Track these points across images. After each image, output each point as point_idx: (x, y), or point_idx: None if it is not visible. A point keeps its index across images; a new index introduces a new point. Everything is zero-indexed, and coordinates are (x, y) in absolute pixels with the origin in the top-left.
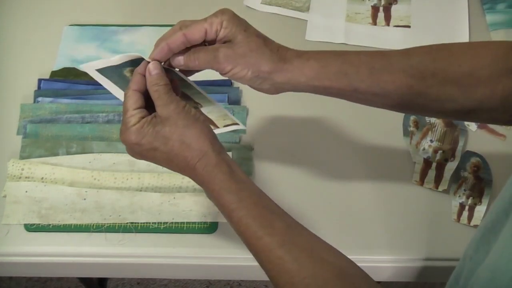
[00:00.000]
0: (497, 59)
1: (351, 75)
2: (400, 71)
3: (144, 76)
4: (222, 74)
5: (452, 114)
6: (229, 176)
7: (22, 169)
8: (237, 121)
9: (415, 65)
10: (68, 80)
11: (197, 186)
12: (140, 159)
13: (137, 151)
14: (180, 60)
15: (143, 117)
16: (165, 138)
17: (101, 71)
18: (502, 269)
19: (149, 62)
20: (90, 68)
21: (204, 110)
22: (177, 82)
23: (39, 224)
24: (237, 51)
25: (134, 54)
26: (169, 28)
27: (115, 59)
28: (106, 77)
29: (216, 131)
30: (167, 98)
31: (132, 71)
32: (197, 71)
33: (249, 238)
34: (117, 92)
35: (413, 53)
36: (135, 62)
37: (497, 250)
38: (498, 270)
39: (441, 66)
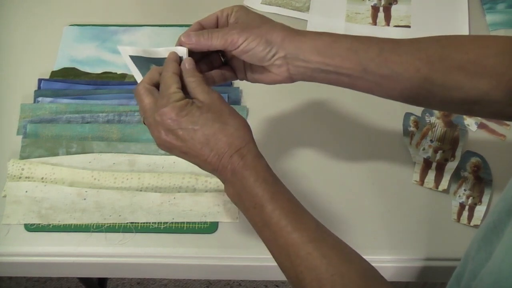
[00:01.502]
0: (504, 51)
1: (361, 52)
2: (408, 53)
3: (179, 65)
4: (234, 50)
5: (457, 105)
6: (268, 168)
7: (22, 169)
8: None
9: (423, 49)
10: (68, 80)
11: (197, 186)
12: (167, 142)
13: (172, 128)
14: (191, 38)
15: (184, 98)
16: (208, 120)
17: (133, 58)
18: (506, 272)
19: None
20: (125, 52)
21: None
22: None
23: (39, 224)
24: (250, 24)
25: (177, 48)
26: (169, 28)
27: (156, 51)
28: (136, 65)
29: None
30: (207, 87)
31: None
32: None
33: (280, 230)
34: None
35: (422, 40)
36: (159, 62)
37: (500, 253)
38: (502, 273)
39: (448, 52)
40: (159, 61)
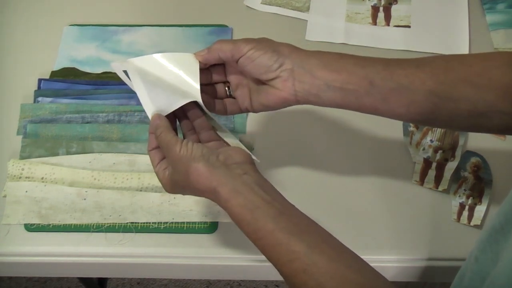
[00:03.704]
0: (509, 63)
1: (368, 67)
2: (412, 67)
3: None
4: (241, 56)
5: (464, 118)
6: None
7: (22, 169)
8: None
9: (428, 62)
10: (68, 80)
11: None
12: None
13: (179, 191)
14: (203, 50)
15: (165, 168)
16: (180, 182)
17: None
18: None
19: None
20: (118, 68)
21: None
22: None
23: (39, 224)
24: (257, 39)
25: (185, 55)
26: (169, 28)
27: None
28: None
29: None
30: (166, 146)
31: None
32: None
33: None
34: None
35: (426, 57)
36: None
37: (510, 254)
38: None
39: (452, 65)
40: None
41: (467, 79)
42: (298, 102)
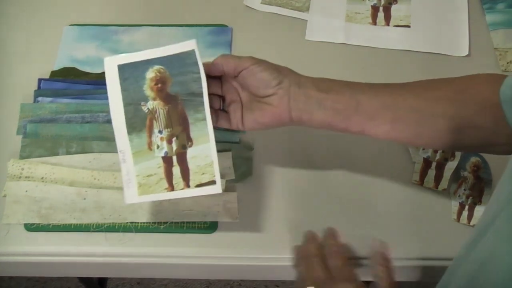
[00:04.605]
0: (489, 80)
1: (355, 88)
2: (397, 87)
3: None
4: (244, 69)
5: (445, 134)
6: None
7: (22, 169)
8: (217, 180)
9: (412, 83)
10: (68, 80)
11: None
12: None
13: None
14: (211, 61)
15: None
16: None
17: (123, 67)
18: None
19: None
20: (112, 62)
21: (190, 151)
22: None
23: (39, 223)
24: (260, 59)
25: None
26: (169, 28)
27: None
28: (121, 78)
29: (180, 193)
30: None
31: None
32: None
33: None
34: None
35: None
36: (161, 62)
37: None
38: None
39: (435, 84)
40: (160, 61)
41: (447, 96)
42: (291, 120)
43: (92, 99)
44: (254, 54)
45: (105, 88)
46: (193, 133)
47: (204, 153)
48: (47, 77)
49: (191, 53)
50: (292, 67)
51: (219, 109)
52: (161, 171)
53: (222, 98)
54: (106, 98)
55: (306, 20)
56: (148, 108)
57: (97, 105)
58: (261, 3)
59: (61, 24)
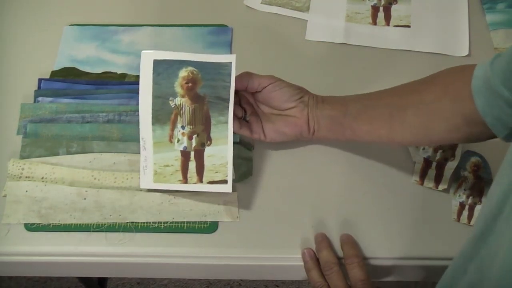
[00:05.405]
0: (456, 69)
1: (346, 97)
2: (378, 92)
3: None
4: (270, 84)
5: (416, 127)
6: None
7: (22, 169)
8: (229, 180)
9: (392, 87)
10: (68, 80)
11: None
12: None
13: None
14: (238, 75)
15: None
16: None
17: (158, 62)
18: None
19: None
20: (148, 57)
21: (208, 150)
22: None
23: (39, 223)
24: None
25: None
26: (169, 28)
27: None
28: (155, 72)
29: (192, 187)
30: None
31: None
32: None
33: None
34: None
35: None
36: (194, 64)
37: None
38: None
39: (411, 82)
40: (195, 64)
41: (416, 88)
42: (308, 129)
43: (92, 99)
44: (254, 54)
45: (105, 88)
46: (214, 134)
47: (221, 153)
48: (47, 77)
49: (227, 65)
50: (292, 67)
51: (241, 118)
52: (177, 164)
53: (244, 109)
54: (106, 98)
55: (306, 20)
56: (175, 104)
57: (97, 105)
58: (261, 3)
59: (61, 24)
